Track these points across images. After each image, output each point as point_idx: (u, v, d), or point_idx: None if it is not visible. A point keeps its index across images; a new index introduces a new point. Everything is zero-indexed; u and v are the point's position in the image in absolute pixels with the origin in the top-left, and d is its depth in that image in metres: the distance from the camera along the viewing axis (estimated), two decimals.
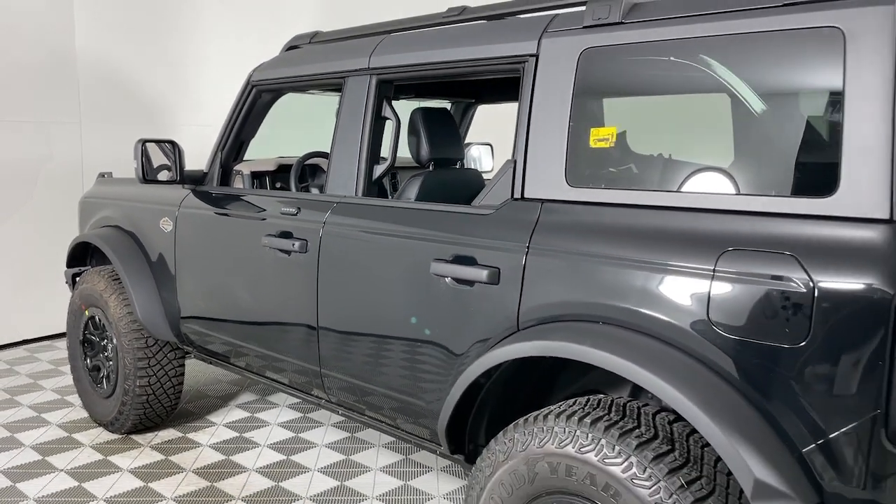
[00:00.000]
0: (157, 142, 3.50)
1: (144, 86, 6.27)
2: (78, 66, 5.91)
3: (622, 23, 2.18)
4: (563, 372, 2.54)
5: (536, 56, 2.36)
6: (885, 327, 1.62)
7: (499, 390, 2.47)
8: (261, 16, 6.58)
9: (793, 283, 1.74)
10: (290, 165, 3.78)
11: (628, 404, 2.08)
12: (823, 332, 1.69)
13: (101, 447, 4.01)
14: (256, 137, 3.72)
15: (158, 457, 3.90)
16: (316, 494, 3.52)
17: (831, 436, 1.71)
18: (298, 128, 5.20)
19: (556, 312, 2.18)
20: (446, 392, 2.48)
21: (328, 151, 3.08)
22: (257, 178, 3.81)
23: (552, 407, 2.14)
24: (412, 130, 3.06)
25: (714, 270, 1.86)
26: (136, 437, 4.13)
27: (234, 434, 4.21)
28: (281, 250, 3.05)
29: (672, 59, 2.10)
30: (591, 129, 2.22)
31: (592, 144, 2.21)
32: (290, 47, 3.51)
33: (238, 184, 3.72)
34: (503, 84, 3.99)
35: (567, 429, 2.02)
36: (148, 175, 3.47)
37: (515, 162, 2.38)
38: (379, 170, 2.92)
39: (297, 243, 2.97)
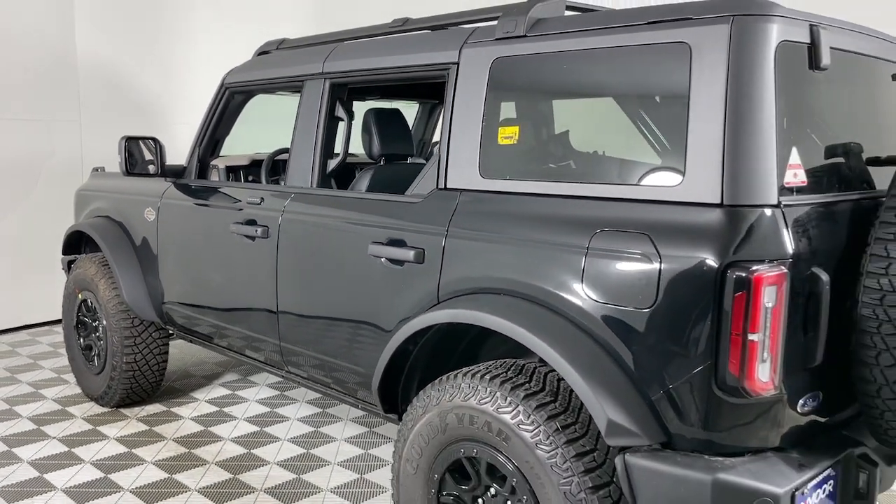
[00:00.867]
0: (141, 138, 3.87)
1: (141, 86, 6.64)
2: (78, 67, 6.29)
3: (526, 36, 2.52)
4: (487, 341, 2.87)
5: (457, 64, 2.70)
6: (713, 292, 1.95)
7: (426, 357, 2.80)
8: (250, 21, 6.92)
9: (645, 257, 2.07)
10: (262, 161, 4.13)
11: (527, 365, 2.41)
12: (667, 297, 2.03)
13: (92, 419, 4.38)
14: (238, 136, 4.08)
15: (143, 427, 4.26)
16: (283, 460, 3.87)
17: (674, 385, 2.04)
18: (272, 126, 5.54)
19: (469, 287, 2.52)
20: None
21: None
22: (232, 172, 4.16)
23: (464, 369, 2.48)
24: (365, 129, 3.40)
25: (588, 248, 2.20)
26: (123, 411, 4.49)
27: (215, 409, 4.57)
28: (246, 236, 3.40)
29: (565, 67, 2.43)
30: (499, 128, 2.55)
31: (500, 141, 2.55)
32: (261, 52, 3.86)
33: (214, 177, 4.07)
34: None
35: (471, 385, 2.36)
36: (130, 169, 3.83)
37: (440, 156, 2.72)
38: (332, 163, 3.27)
39: (259, 229, 3.32)
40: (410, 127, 4.28)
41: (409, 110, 4.80)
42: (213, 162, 4.03)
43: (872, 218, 2.11)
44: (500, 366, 2.41)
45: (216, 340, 3.87)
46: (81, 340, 4.63)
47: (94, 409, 4.53)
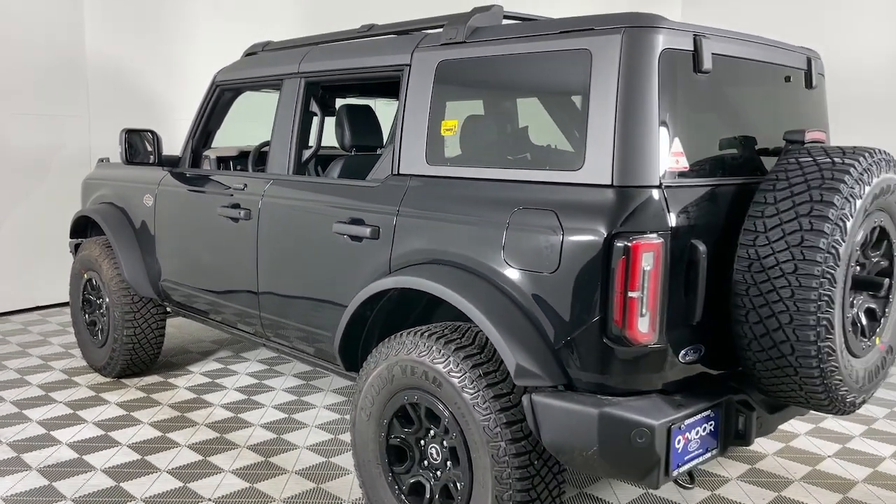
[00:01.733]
0: (139, 131, 4.29)
1: (145, 84, 7.08)
2: (87, 66, 6.74)
3: (465, 42, 2.91)
4: (438, 308, 3.25)
5: (409, 66, 3.09)
6: (603, 258, 2.34)
7: (383, 322, 3.20)
8: (250, 22, 7.34)
9: (551, 230, 2.46)
10: (249, 152, 4.54)
11: (462, 326, 2.80)
12: (567, 263, 2.42)
13: (95, 387, 4.81)
14: (235, 129, 4.49)
15: (141, 394, 4.69)
16: (267, 423, 4.28)
17: (572, 336, 2.43)
18: (262, 121, 5.94)
19: (416, 258, 2.92)
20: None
21: None
22: (222, 161, 4.58)
23: (409, 329, 2.87)
24: (338, 123, 3.80)
25: (507, 223, 2.59)
26: (124, 380, 4.92)
27: (208, 380, 4.99)
28: (231, 218, 3.82)
29: (496, 69, 2.83)
30: (442, 122, 2.95)
31: (443, 133, 2.95)
32: (248, 53, 4.27)
33: (206, 166, 4.48)
34: None
35: (414, 342, 2.76)
36: (130, 158, 4.25)
37: (394, 146, 3.12)
38: (307, 153, 3.67)
39: (243, 212, 3.74)
40: (393, 121, 4.67)
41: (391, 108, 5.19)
42: (206, 152, 4.45)
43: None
44: (440, 326, 2.81)
45: (206, 314, 4.28)
46: (86, 316, 5.06)
47: (98, 378, 4.96)
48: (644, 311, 2.33)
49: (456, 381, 2.58)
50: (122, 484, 3.50)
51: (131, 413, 4.37)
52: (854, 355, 2.58)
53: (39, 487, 3.45)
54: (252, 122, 4.83)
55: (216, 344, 5.82)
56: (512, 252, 2.57)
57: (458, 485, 2.68)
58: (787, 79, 2.99)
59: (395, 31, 3.40)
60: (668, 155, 2.44)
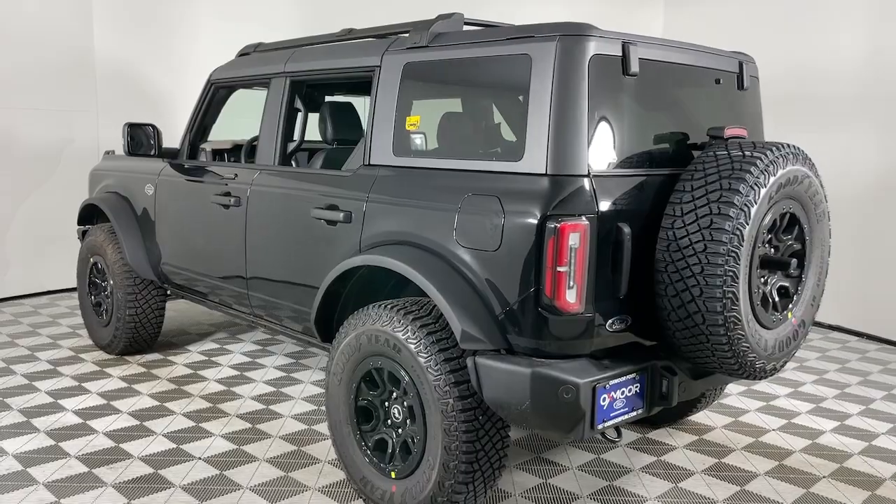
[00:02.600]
0: (141, 125, 4.65)
1: (151, 81, 7.45)
2: (96, 65, 7.12)
3: (428, 46, 3.25)
4: (408, 286, 3.58)
5: (380, 67, 3.44)
6: (536, 237, 2.68)
7: (356, 298, 3.54)
8: (249, 23, 7.68)
9: (495, 213, 2.80)
10: (242, 145, 4.89)
11: (421, 300, 3.14)
12: (507, 242, 2.76)
13: (100, 362, 5.18)
14: (228, 125, 4.84)
15: (142, 370, 5.05)
16: (257, 395, 4.64)
17: (511, 305, 2.77)
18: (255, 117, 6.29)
19: (382, 240, 3.26)
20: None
21: None
22: (217, 154, 4.93)
23: (375, 303, 3.21)
24: (321, 118, 4.14)
25: (459, 207, 2.93)
26: (127, 357, 5.29)
27: (204, 358, 5.35)
28: (223, 205, 4.17)
29: (454, 70, 3.17)
30: (407, 118, 3.30)
31: (407, 127, 3.30)
32: (242, 54, 4.62)
33: (202, 158, 4.84)
34: None
35: (378, 314, 3.10)
36: (133, 150, 4.62)
37: (366, 139, 3.46)
38: (291, 146, 4.02)
39: (233, 199, 4.09)
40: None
41: None
42: (202, 145, 4.80)
43: None
44: (402, 301, 3.15)
45: (202, 294, 4.64)
46: (92, 298, 5.43)
47: (102, 355, 5.33)
48: (571, 283, 2.67)
49: (413, 346, 2.92)
50: (121, 444, 3.86)
51: (132, 386, 4.74)
52: (765, 327, 2.90)
53: (47, 446, 3.81)
54: (247, 117, 5.18)
55: (213, 327, 6.18)
56: (462, 233, 2.91)
57: (415, 439, 3.02)
58: (718, 81, 3.31)
59: (370, 35, 3.74)
60: (596, 148, 2.78)
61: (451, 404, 2.83)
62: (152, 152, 4.65)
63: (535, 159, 2.78)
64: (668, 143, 3.08)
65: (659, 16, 8.10)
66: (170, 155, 4.82)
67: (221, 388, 4.76)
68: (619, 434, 3.04)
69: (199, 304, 4.82)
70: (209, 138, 4.88)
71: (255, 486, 3.47)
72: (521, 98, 2.86)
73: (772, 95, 6.79)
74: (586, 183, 2.73)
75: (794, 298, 3.06)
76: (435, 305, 3.03)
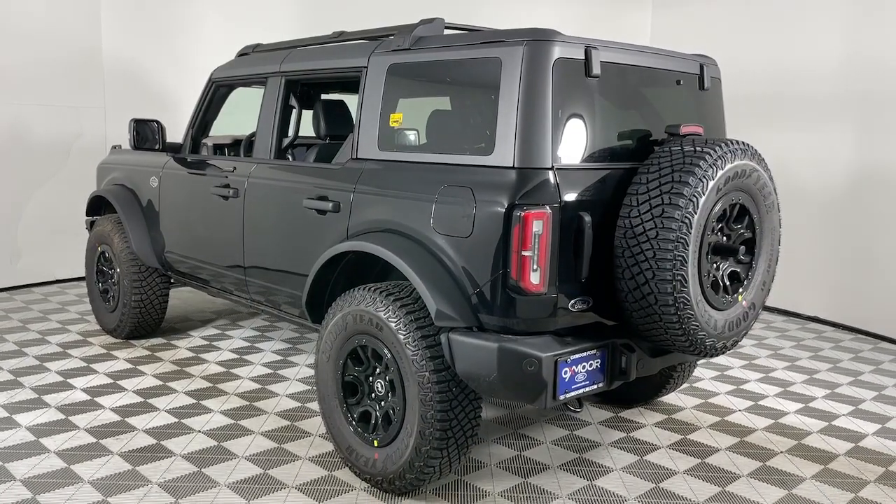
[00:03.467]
0: (146, 121, 4.93)
1: (156, 79, 7.74)
2: (104, 63, 7.42)
3: (410, 49, 3.52)
4: (393, 270, 3.84)
5: (367, 68, 3.71)
6: (504, 224, 2.94)
7: (345, 282, 3.81)
8: (251, 23, 7.95)
9: (467, 203, 3.07)
10: (241, 140, 5.17)
11: (402, 283, 3.41)
12: (479, 229, 3.02)
13: (106, 346, 5.47)
14: (227, 121, 5.12)
15: (146, 353, 5.34)
16: (254, 377, 4.92)
17: (481, 286, 3.03)
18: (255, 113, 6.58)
19: (367, 228, 3.53)
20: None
21: None
22: (218, 148, 5.21)
23: (361, 286, 3.48)
24: (314, 115, 4.41)
25: (436, 198, 3.20)
26: (132, 341, 5.58)
27: (206, 342, 5.64)
28: (222, 196, 4.45)
29: (434, 72, 3.44)
30: (390, 115, 3.57)
31: (391, 124, 3.57)
32: (241, 54, 4.90)
33: (204, 152, 5.11)
34: None
35: (363, 295, 3.37)
36: (138, 145, 4.90)
37: (354, 135, 3.73)
38: (286, 141, 4.30)
39: (232, 191, 4.37)
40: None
41: None
42: (204, 140, 5.08)
43: None
44: (384, 284, 3.42)
45: (203, 281, 4.92)
46: (100, 285, 5.72)
47: (109, 339, 5.62)
48: (535, 266, 2.93)
49: (393, 325, 3.20)
50: (126, 419, 4.15)
51: (137, 367, 5.03)
52: (716, 308, 3.17)
53: (57, 420, 4.10)
54: (246, 114, 5.46)
55: (214, 314, 6.47)
56: (438, 221, 3.18)
57: (395, 410, 3.29)
58: (678, 82, 3.58)
59: (360, 37, 4.01)
60: (560, 143, 3.04)
61: (427, 377, 3.10)
62: (157, 147, 4.93)
63: (504, 154, 3.04)
64: (630, 140, 3.35)
65: (647, 18, 8.35)
66: (173, 149, 5.09)
67: (221, 369, 5.04)
68: (581, 405, 3.30)
69: (201, 290, 5.10)
70: (210, 134, 5.15)
71: (250, 455, 3.75)
72: (492, 97, 3.12)
73: (754, 94, 7.07)
74: (550, 175, 2.99)
75: (745, 283, 3.32)
76: (413, 288, 3.29)
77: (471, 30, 3.75)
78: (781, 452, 3.98)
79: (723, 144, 3.07)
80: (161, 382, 4.74)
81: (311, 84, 4.53)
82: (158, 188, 5.12)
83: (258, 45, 4.81)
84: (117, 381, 4.73)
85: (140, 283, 5.35)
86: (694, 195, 2.95)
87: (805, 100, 6.86)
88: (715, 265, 3.20)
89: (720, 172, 3.02)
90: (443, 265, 3.16)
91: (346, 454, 3.52)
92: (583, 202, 3.06)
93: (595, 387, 3.18)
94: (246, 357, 5.32)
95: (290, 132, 4.37)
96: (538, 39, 3.04)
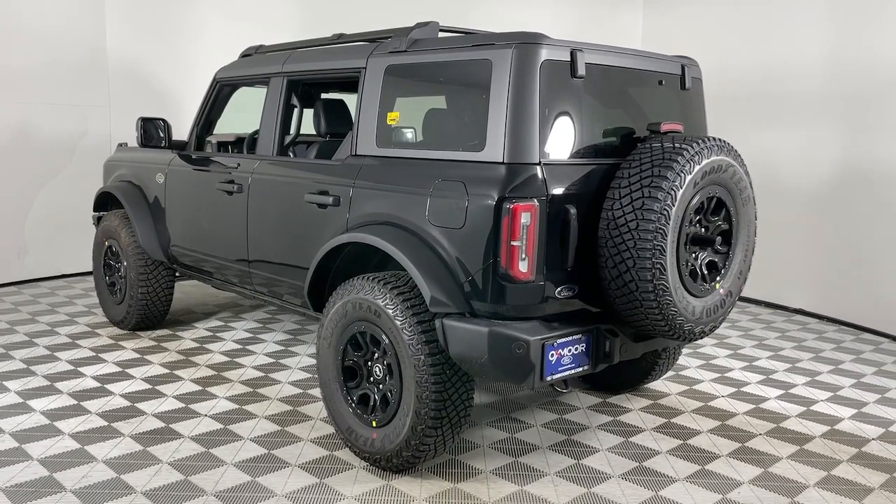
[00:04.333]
0: (153, 119, 5.12)
1: (161, 78, 7.93)
2: (109, 62, 7.61)
3: (406, 51, 3.72)
4: (391, 261, 4.02)
5: (365, 69, 3.90)
6: (494, 216, 3.14)
7: (345, 273, 4.00)
8: (254, 24, 8.14)
9: (460, 196, 3.27)
10: (245, 138, 5.37)
11: (399, 273, 3.60)
12: (471, 220, 3.22)
13: (114, 337, 5.66)
14: (231, 119, 5.32)
15: (152, 343, 5.53)
16: (257, 366, 5.11)
17: (473, 274, 3.23)
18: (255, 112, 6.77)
19: (366, 220, 3.73)
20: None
21: None
22: (222, 145, 5.41)
23: (360, 276, 3.68)
24: (315, 114, 4.60)
25: (431, 191, 3.40)
26: (139, 332, 5.77)
27: (210, 333, 5.83)
28: (227, 191, 4.64)
29: (429, 72, 3.64)
30: (388, 114, 3.76)
31: (388, 122, 3.76)
32: (244, 55, 5.09)
33: (208, 150, 5.31)
34: None
35: (362, 285, 3.57)
36: (145, 142, 5.09)
37: (354, 132, 3.92)
38: (287, 139, 4.49)
39: (236, 186, 4.56)
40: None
41: None
42: (208, 138, 5.28)
43: None
44: (383, 274, 3.61)
45: (208, 273, 5.11)
46: (107, 278, 5.91)
47: (116, 330, 5.81)
48: (524, 255, 3.13)
49: (390, 311, 3.39)
50: (136, 404, 4.35)
51: (144, 356, 5.22)
52: (694, 295, 3.37)
53: (70, 405, 4.29)
54: (249, 113, 5.65)
55: (218, 307, 6.66)
56: (433, 213, 3.38)
57: (393, 392, 3.49)
58: (660, 82, 3.77)
59: (359, 39, 4.21)
60: (547, 140, 3.24)
61: (422, 360, 3.30)
62: (163, 144, 5.13)
63: (495, 150, 3.24)
64: (614, 137, 3.54)
65: (638, 19, 8.55)
66: (178, 147, 5.29)
67: (225, 359, 5.23)
68: (567, 386, 3.49)
69: (206, 283, 5.30)
70: (214, 131, 5.35)
71: (255, 437, 3.94)
72: (483, 97, 3.31)
73: (743, 93, 7.28)
74: (538, 170, 3.19)
75: (722, 272, 3.52)
76: (410, 278, 3.49)
77: (464, 32, 3.95)
78: (760, 434, 4.18)
79: (700, 141, 3.27)
80: (168, 371, 4.94)
81: (312, 84, 4.72)
82: (164, 184, 5.31)
83: (260, 47, 5.00)
84: (126, 370, 4.92)
85: (146, 275, 5.54)
86: (672, 188, 3.15)
87: (793, 98, 7.06)
88: (693, 255, 3.40)
89: (697, 167, 3.22)
90: (437, 255, 3.35)
91: (346, 435, 3.71)
92: (569, 195, 3.26)
93: (580, 369, 3.37)
94: (249, 347, 5.51)
95: (292, 130, 4.56)
96: (526, 42, 3.23)
